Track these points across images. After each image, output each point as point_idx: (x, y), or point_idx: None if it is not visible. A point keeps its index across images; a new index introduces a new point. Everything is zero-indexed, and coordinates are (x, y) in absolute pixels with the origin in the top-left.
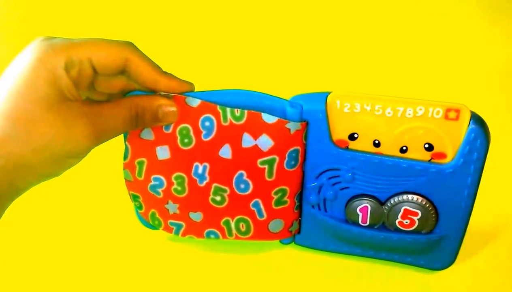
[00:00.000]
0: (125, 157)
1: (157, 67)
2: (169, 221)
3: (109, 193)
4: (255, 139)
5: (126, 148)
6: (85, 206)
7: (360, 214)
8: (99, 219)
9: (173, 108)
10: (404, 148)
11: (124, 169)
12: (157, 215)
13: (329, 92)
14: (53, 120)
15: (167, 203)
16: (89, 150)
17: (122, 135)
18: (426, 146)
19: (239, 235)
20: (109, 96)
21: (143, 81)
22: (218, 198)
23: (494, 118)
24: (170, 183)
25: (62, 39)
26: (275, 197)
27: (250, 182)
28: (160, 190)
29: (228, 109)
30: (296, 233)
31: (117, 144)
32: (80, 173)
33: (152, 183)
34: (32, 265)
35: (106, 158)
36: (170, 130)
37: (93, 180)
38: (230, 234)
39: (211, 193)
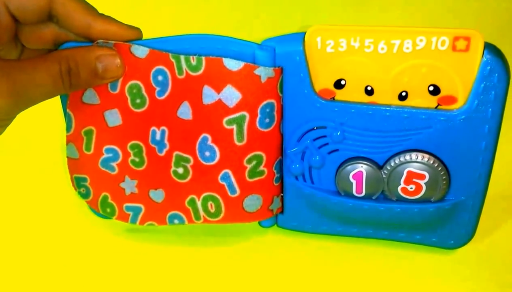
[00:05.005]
0: (68, 128)
1: (91, 8)
2: (125, 204)
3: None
4: (218, 93)
5: (68, 117)
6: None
7: (354, 182)
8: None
9: (116, 60)
10: (404, 94)
11: (67, 144)
12: (109, 200)
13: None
14: None
15: (123, 180)
16: (10, 113)
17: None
18: (431, 88)
19: (208, 218)
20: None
21: (74, 27)
22: (180, 170)
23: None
24: (126, 154)
25: None
26: (249, 166)
27: (216, 148)
28: (114, 164)
29: (182, 57)
30: (278, 213)
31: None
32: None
33: (105, 156)
34: None
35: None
36: (117, 90)
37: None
38: (197, 217)
39: (172, 164)
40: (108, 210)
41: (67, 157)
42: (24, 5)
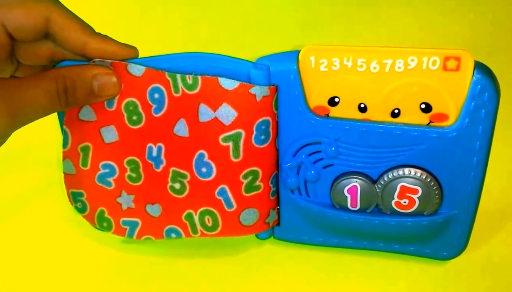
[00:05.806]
0: (64, 144)
1: (87, 27)
2: (122, 219)
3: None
4: (214, 111)
5: (65, 133)
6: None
7: (349, 196)
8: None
9: (112, 79)
10: (396, 111)
11: (64, 160)
12: (106, 214)
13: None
14: None
15: (120, 195)
16: (7, 132)
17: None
18: (423, 106)
19: (205, 231)
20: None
21: (70, 45)
22: (177, 186)
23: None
24: (122, 170)
25: None
26: (245, 181)
27: (212, 164)
28: (111, 179)
29: (178, 76)
30: (275, 225)
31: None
32: None
33: (101, 171)
34: None
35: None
36: (114, 108)
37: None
38: (195, 231)
39: (169, 179)
40: (105, 224)
41: (63, 172)
42: (21, 24)
